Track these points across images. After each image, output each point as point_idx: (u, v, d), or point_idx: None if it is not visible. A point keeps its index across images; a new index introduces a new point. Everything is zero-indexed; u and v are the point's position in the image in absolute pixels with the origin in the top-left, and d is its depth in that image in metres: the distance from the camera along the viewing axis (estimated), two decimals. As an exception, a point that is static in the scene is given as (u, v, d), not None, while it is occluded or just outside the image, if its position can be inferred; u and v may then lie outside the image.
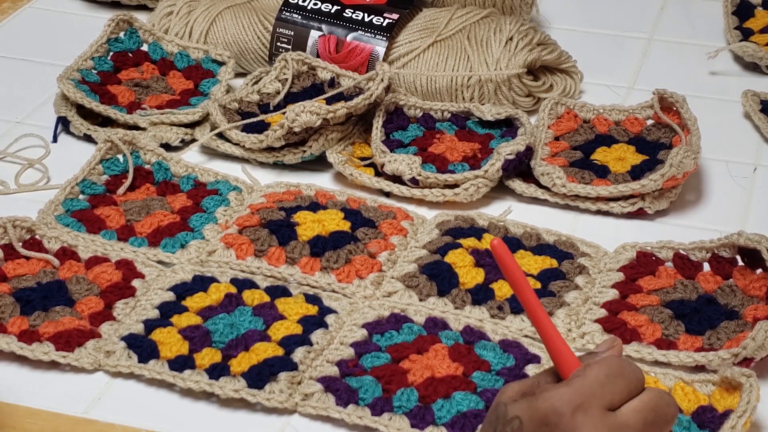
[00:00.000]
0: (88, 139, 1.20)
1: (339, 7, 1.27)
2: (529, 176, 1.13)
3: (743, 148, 1.20)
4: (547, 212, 1.11)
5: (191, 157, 1.18)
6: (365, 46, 1.26)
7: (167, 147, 1.18)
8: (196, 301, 0.99)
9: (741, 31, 1.37)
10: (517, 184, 1.12)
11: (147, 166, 1.14)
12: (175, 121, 1.19)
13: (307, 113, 1.12)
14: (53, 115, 1.22)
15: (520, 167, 1.12)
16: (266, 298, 0.99)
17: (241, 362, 0.92)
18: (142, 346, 0.94)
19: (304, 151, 1.15)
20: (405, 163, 1.11)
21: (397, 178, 1.12)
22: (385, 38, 1.25)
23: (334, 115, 1.13)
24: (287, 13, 1.28)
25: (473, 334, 0.95)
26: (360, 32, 1.26)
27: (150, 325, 0.96)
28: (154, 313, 0.97)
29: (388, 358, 0.93)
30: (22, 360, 0.94)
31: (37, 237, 1.05)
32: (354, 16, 1.27)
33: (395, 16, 1.27)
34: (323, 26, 1.27)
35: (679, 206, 1.11)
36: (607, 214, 1.10)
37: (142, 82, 1.26)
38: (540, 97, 1.25)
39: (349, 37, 1.26)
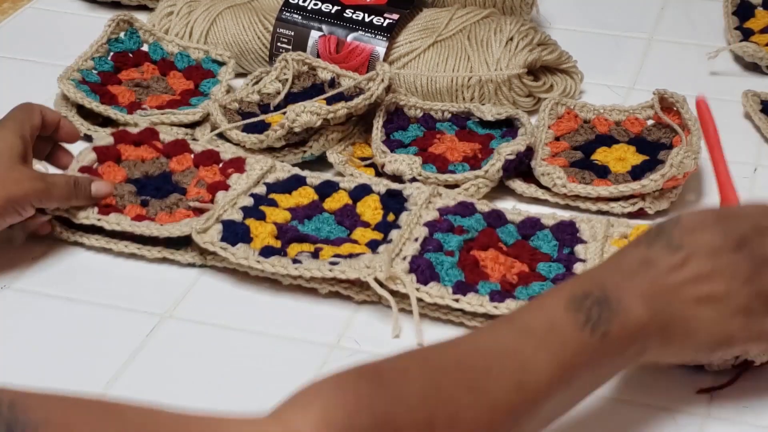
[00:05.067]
0: (88, 139, 1.19)
1: (339, 8, 1.27)
2: (529, 176, 1.13)
3: (743, 149, 1.20)
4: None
5: (191, 157, 1.18)
6: (365, 46, 1.26)
7: (167, 147, 1.18)
8: (283, 200, 1.07)
9: (741, 31, 1.37)
10: (518, 185, 1.12)
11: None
12: (175, 122, 1.19)
13: (307, 113, 1.12)
14: (53, 115, 1.22)
15: (521, 167, 1.12)
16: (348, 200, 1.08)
17: (329, 252, 0.98)
18: (236, 232, 1.01)
19: (305, 152, 1.15)
20: (405, 163, 1.11)
21: (397, 178, 1.12)
22: (385, 38, 1.25)
23: (335, 116, 1.13)
24: (287, 14, 1.28)
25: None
26: (360, 32, 1.26)
27: (247, 212, 1.04)
28: (249, 201, 1.06)
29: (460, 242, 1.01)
30: (22, 360, 0.94)
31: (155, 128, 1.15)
32: (354, 16, 1.27)
33: (395, 17, 1.27)
34: (323, 26, 1.27)
35: (679, 206, 1.11)
36: (607, 214, 1.10)
37: (143, 83, 1.26)
38: (540, 98, 1.25)
39: (349, 38, 1.26)
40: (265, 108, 1.21)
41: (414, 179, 1.11)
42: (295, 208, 1.07)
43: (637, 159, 1.13)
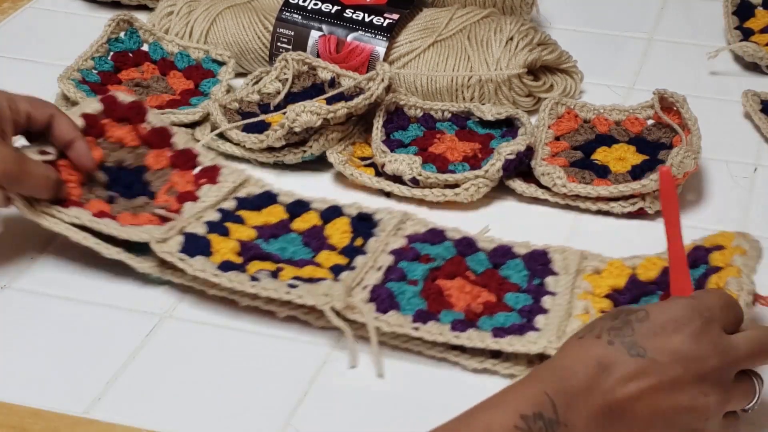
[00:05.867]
0: (88, 139, 1.20)
1: (339, 8, 1.27)
2: (529, 176, 1.13)
3: (743, 148, 1.20)
4: (547, 212, 1.11)
5: (191, 157, 1.18)
6: (365, 46, 1.26)
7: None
8: (251, 217, 1.05)
9: (741, 31, 1.37)
10: (518, 184, 1.12)
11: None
12: (175, 121, 1.19)
13: (307, 113, 1.12)
14: (53, 115, 1.22)
15: (521, 167, 1.12)
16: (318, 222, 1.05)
17: (289, 273, 0.96)
18: (197, 245, 0.99)
19: (305, 151, 1.15)
20: (405, 163, 1.11)
21: (397, 178, 1.12)
22: (385, 38, 1.25)
23: (335, 115, 1.13)
24: (287, 13, 1.28)
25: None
26: (360, 32, 1.26)
27: (211, 227, 1.01)
28: (216, 216, 1.03)
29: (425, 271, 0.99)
30: (23, 360, 0.94)
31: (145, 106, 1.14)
32: (354, 16, 1.27)
33: (395, 17, 1.27)
34: (323, 26, 1.27)
35: (679, 206, 1.11)
36: (607, 214, 1.10)
37: (143, 82, 1.26)
38: (540, 97, 1.25)
39: (349, 37, 1.26)
40: (265, 108, 1.21)
41: (414, 179, 1.11)
42: (262, 227, 1.04)
43: (637, 159, 1.13)
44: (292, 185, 1.15)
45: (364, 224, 1.05)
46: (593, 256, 1.01)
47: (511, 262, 1.00)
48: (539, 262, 1.00)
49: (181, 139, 1.12)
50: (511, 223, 1.09)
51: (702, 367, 0.77)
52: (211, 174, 1.09)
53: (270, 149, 1.15)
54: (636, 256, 1.00)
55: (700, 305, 0.79)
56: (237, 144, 1.16)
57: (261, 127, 1.16)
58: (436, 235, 1.03)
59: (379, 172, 1.14)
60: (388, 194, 1.13)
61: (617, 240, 1.07)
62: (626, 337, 0.77)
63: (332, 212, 1.06)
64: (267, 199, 1.08)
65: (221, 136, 1.17)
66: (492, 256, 1.01)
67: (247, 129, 1.16)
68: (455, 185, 1.11)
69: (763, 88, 1.27)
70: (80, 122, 1.09)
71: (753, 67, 1.33)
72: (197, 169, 1.10)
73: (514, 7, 1.33)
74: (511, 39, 1.24)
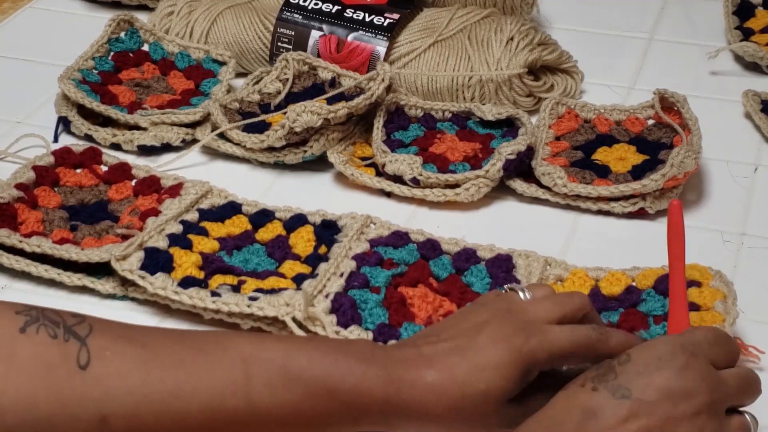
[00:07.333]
0: (89, 139, 1.20)
1: (340, 7, 1.27)
2: (530, 176, 1.13)
3: (744, 148, 1.20)
4: (547, 212, 1.11)
5: (192, 157, 1.18)
6: (366, 46, 1.26)
7: (168, 147, 1.18)
8: (214, 228, 1.04)
9: (741, 30, 1.37)
10: (518, 184, 1.12)
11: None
12: (176, 121, 1.19)
13: (308, 113, 1.12)
14: (54, 115, 1.22)
15: (521, 167, 1.12)
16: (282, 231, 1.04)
17: (252, 286, 0.95)
18: (158, 260, 0.97)
19: (305, 151, 1.15)
20: (406, 163, 1.11)
21: (398, 178, 1.12)
22: (385, 38, 1.25)
23: (335, 115, 1.13)
24: (288, 13, 1.28)
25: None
26: (361, 32, 1.26)
27: (173, 240, 1.00)
28: (178, 228, 1.02)
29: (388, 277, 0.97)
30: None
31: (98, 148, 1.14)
32: (355, 16, 1.27)
33: (396, 16, 1.27)
34: (324, 26, 1.27)
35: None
36: (608, 213, 1.10)
37: (143, 82, 1.26)
38: (541, 97, 1.25)
39: (349, 37, 1.26)
40: (265, 108, 1.21)
41: (415, 179, 1.11)
42: (225, 238, 1.03)
43: (638, 159, 1.13)
44: (293, 185, 1.15)
45: (328, 231, 1.04)
46: (557, 263, 1.00)
47: (474, 268, 0.99)
48: (502, 268, 0.99)
49: (141, 172, 1.12)
50: (511, 223, 1.10)
51: (693, 402, 0.74)
52: (174, 190, 1.09)
53: (270, 149, 1.15)
54: (600, 268, 0.99)
55: (684, 341, 0.76)
56: (237, 144, 1.16)
57: (261, 127, 1.16)
58: (399, 238, 1.02)
59: (380, 172, 1.14)
60: (388, 194, 1.13)
61: (617, 240, 1.07)
62: (609, 381, 0.74)
63: (296, 221, 1.05)
64: (230, 209, 1.07)
65: (222, 136, 1.17)
66: (456, 260, 1.00)
67: (248, 129, 1.16)
68: (456, 185, 1.11)
69: (763, 88, 1.27)
70: (30, 175, 1.09)
71: (753, 67, 1.33)
72: (162, 190, 1.10)
73: (515, 7, 1.33)
74: (512, 39, 1.24)
